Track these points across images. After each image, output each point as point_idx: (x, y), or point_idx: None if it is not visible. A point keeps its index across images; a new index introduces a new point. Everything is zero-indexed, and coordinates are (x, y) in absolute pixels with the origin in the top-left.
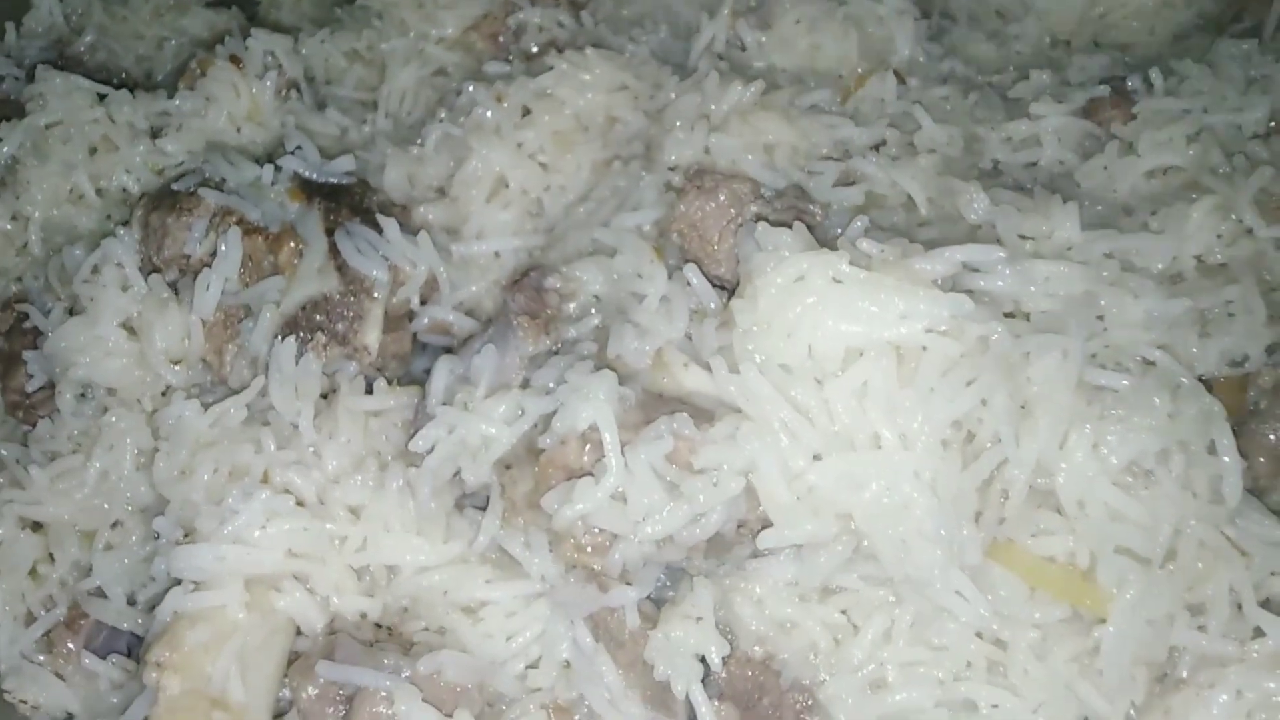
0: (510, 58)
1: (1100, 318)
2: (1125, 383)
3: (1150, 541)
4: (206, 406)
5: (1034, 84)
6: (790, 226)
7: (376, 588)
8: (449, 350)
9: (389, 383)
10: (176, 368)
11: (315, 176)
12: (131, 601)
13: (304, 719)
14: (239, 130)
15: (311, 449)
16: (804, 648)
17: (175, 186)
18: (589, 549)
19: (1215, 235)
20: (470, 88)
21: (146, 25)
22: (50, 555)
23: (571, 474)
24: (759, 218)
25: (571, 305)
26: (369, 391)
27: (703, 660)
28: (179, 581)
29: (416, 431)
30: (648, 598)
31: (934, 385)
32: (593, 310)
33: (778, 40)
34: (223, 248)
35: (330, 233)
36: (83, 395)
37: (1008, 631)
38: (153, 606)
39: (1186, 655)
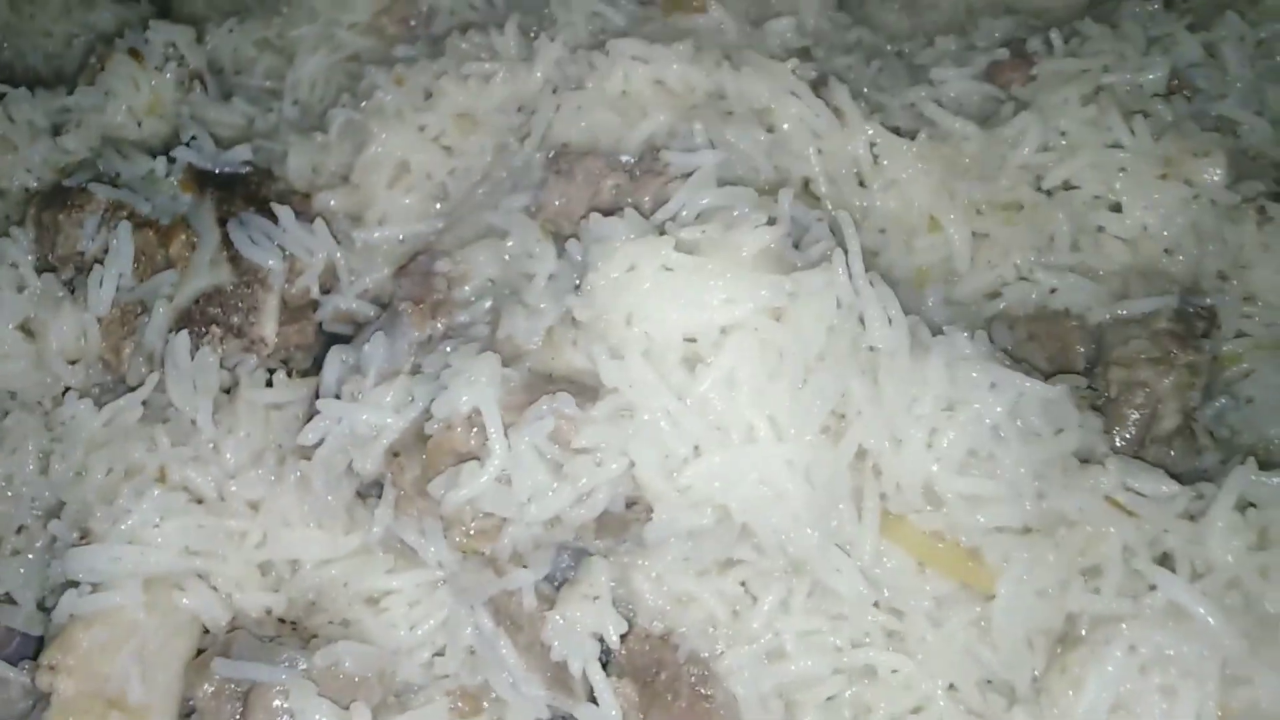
0: (415, 41)
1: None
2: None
3: (1017, 513)
4: (101, 405)
5: (939, 50)
6: (643, 199)
7: (281, 582)
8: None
9: (291, 375)
10: (74, 367)
11: (210, 167)
12: (42, 607)
13: (202, 717)
14: (140, 124)
15: (210, 444)
16: (702, 621)
17: (66, 183)
18: (478, 533)
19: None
20: (371, 71)
21: (54, 22)
22: None
23: (459, 458)
24: (617, 189)
25: (465, 289)
26: (270, 384)
27: (602, 640)
28: (76, 584)
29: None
30: (549, 580)
31: (796, 372)
32: (488, 294)
33: None
34: (114, 243)
35: (223, 223)
36: None
37: (902, 600)
38: None
39: (1085, 617)
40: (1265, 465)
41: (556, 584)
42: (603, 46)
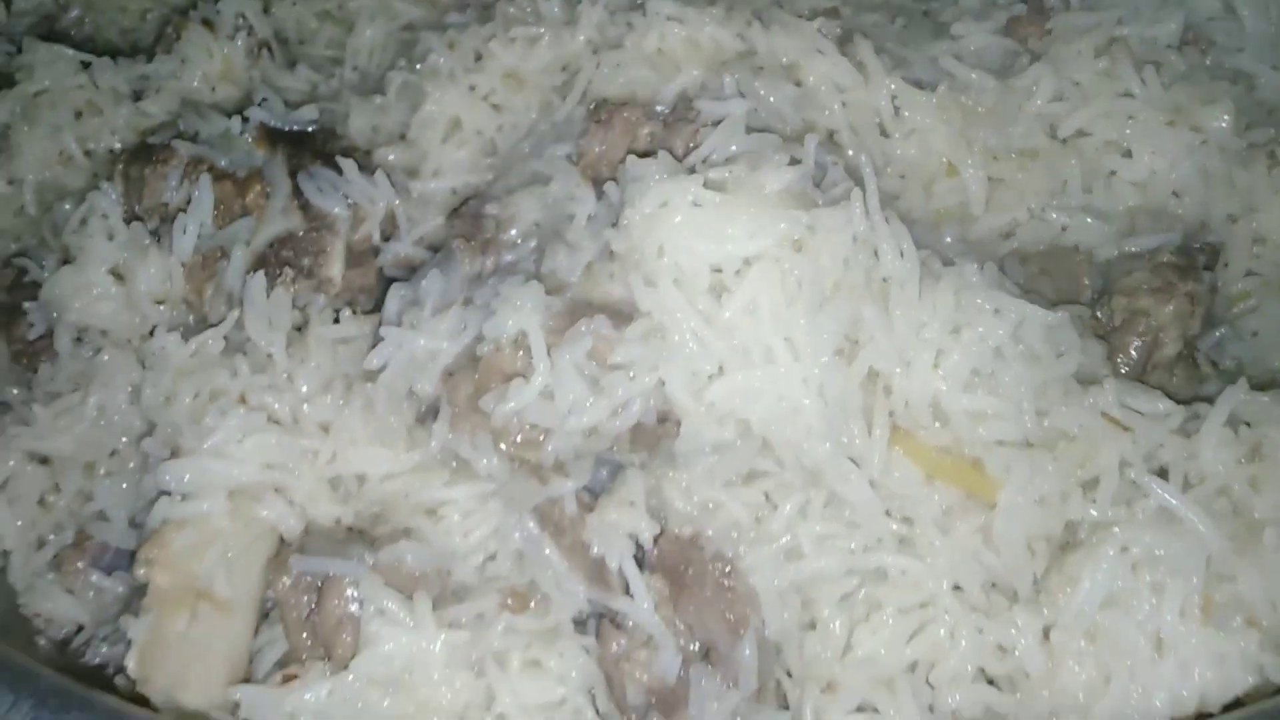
0: (467, 7)
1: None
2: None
3: (1018, 428)
4: (187, 339)
5: (961, 7)
6: (676, 145)
7: (349, 495)
8: None
9: (355, 314)
10: (161, 307)
11: (280, 125)
12: (133, 523)
13: (280, 607)
14: (213, 89)
15: (285, 374)
16: (727, 526)
17: (151, 140)
18: (525, 443)
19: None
20: (426, 36)
21: None
22: (56, 485)
23: (507, 377)
24: (652, 136)
25: (512, 231)
26: (337, 321)
27: (637, 540)
28: (168, 494)
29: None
30: (588, 490)
31: (814, 299)
32: (533, 235)
33: None
34: (196, 194)
35: (293, 175)
36: (79, 339)
37: (912, 509)
38: None
39: (1083, 524)
40: (1265, 388)
41: (595, 494)
42: (641, 8)
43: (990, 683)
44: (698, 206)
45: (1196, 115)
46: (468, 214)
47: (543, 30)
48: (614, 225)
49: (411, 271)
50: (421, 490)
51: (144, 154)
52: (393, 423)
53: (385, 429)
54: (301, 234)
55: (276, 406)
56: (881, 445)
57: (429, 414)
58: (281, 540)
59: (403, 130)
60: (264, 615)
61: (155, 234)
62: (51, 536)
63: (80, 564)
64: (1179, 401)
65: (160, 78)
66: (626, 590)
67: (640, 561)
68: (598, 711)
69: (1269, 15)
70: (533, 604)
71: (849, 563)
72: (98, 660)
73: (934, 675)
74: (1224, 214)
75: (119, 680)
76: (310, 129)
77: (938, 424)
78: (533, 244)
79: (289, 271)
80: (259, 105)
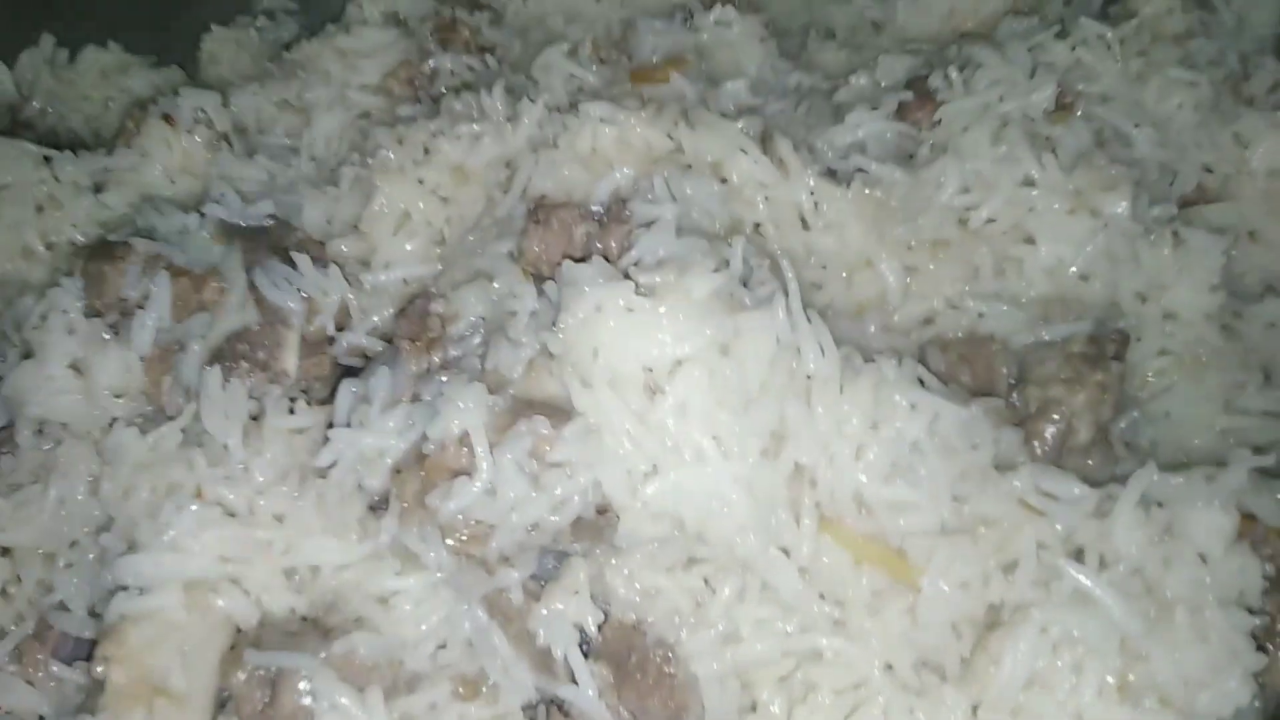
0: (420, 101)
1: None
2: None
3: (936, 518)
4: (145, 433)
5: (853, 88)
6: (610, 245)
7: (303, 585)
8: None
9: (310, 403)
10: (120, 400)
11: (237, 220)
12: (93, 613)
13: (236, 702)
14: (173, 182)
15: (241, 465)
16: (669, 611)
17: (111, 238)
18: (471, 538)
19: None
20: (376, 132)
21: (93, 87)
22: (17, 576)
23: (453, 474)
24: (588, 236)
25: (458, 325)
26: (293, 411)
27: (581, 629)
28: (124, 588)
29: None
30: (534, 578)
31: (740, 400)
32: (477, 330)
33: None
34: (154, 290)
35: (249, 271)
36: (39, 431)
37: (843, 592)
38: None
39: (1005, 606)
40: (1180, 468)
41: (541, 581)
42: (577, 107)
43: None
44: (630, 311)
45: (1096, 201)
46: (413, 313)
47: (486, 127)
48: (552, 326)
49: (364, 359)
50: (373, 580)
51: (103, 251)
52: (344, 514)
53: (337, 521)
54: (257, 328)
55: (232, 498)
56: (810, 535)
57: (380, 504)
58: (237, 630)
59: (355, 221)
60: (220, 706)
61: (114, 328)
62: (13, 627)
63: (41, 655)
64: (1094, 483)
65: (120, 170)
66: (572, 678)
67: (585, 649)
68: None
69: (1117, 60)
70: (483, 690)
71: (785, 645)
72: None
73: None
74: (1133, 292)
75: None
76: (266, 223)
77: (862, 513)
78: (477, 339)
79: (244, 364)
80: (216, 201)
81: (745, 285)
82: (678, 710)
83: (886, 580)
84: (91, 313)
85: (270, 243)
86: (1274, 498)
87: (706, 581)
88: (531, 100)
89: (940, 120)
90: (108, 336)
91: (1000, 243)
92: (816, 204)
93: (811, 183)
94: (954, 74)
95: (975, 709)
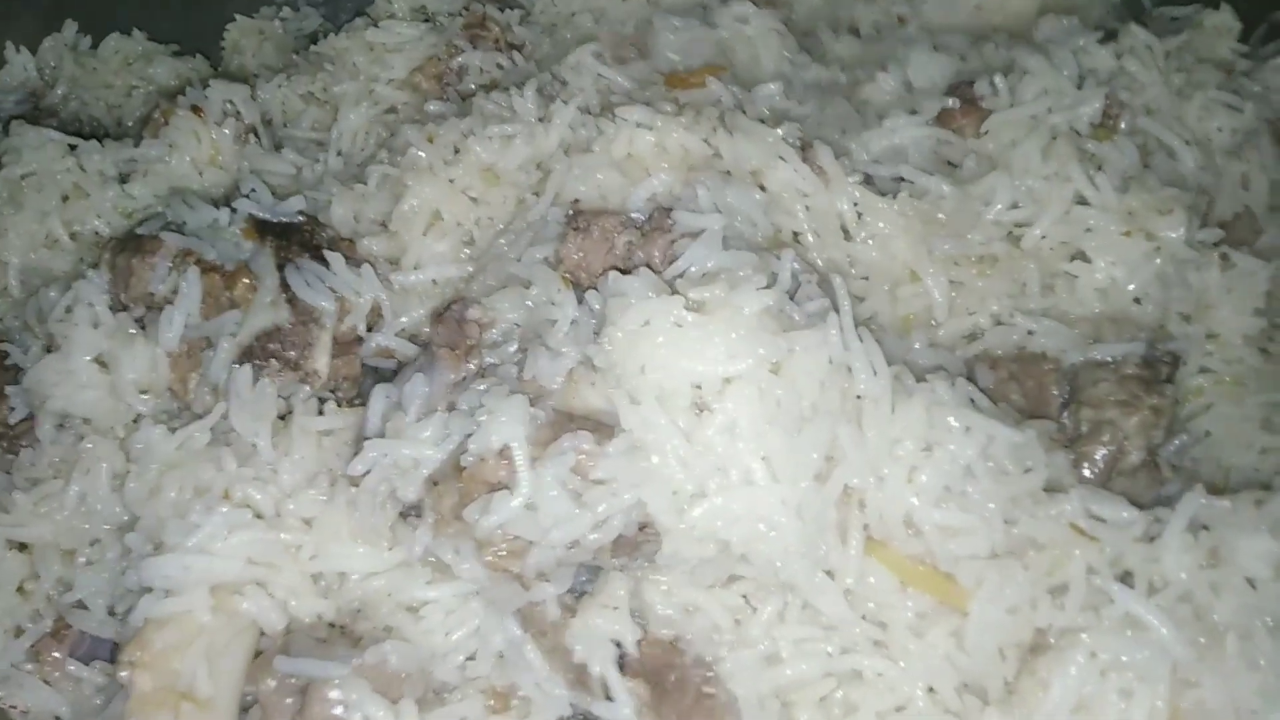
0: (447, 98)
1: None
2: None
3: (988, 542)
4: (173, 431)
5: (880, 86)
6: (653, 255)
7: (330, 591)
8: (396, 372)
9: (340, 404)
10: (145, 397)
11: (268, 216)
12: (112, 612)
13: (264, 710)
14: (201, 174)
15: (269, 466)
16: (708, 628)
17: (139, 231)
18: (508, 554)
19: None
20: (406, 130)
21: (116, 75)
22: (36, 573)
23: (491, 487)
24: (630, 245)
25: (494, 333)
26: (321, 412)
27: (619, 645)
28: (150, 590)
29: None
30: (570, 592)
31: (792, 420)
32: (514, 336)
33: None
34: (183, 286)
35: (281, 268)
36: (61, 425)
37: (886, 614)
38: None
39: (1052, 630)
40: (1221, 492)
41: (577, 595)
42: (612, 109)
43: None
44: (679, 327)
45: (1151, 223)
46: (450, 319)
47: (518, 128)
48: (595, 336)
49: (393, 360)
50: (403, 589)
51: (132, 244)
52: (375, 522)
53: (368, 528)
54: (289, 327)
55: (260, 500)
56: (856, 559)
57: (412, 512)
58: (262, 634)
59: (384, 220)
60: (244, 709)
61: (141, 323)
62: (30, 625)
63: (58, 653)
64: (1141, 506)
65: (148, 161)
66: (608, 695)
67: (622, 665)
68: None
69: (1163, 73)
70: (513, 704)
71: (826, 665)
72: None
73: None
74: (1178, 314)
75: None
76: (297, 220)
77: (910, 533)
78: (514, 346)
79: (274, 364)
80: (247, 196)
81: (793, 299)
82: None
83: (931, 603)
84: (118, 306)
85: (301, 240)
86: None
87: (746, 599)
88: (564, 102)
89: (987, 131)
90: (134, 331)
91: (1049, 260)
92: (860, 214)
93: (855, 193)
94: (1000, 81)
95: None
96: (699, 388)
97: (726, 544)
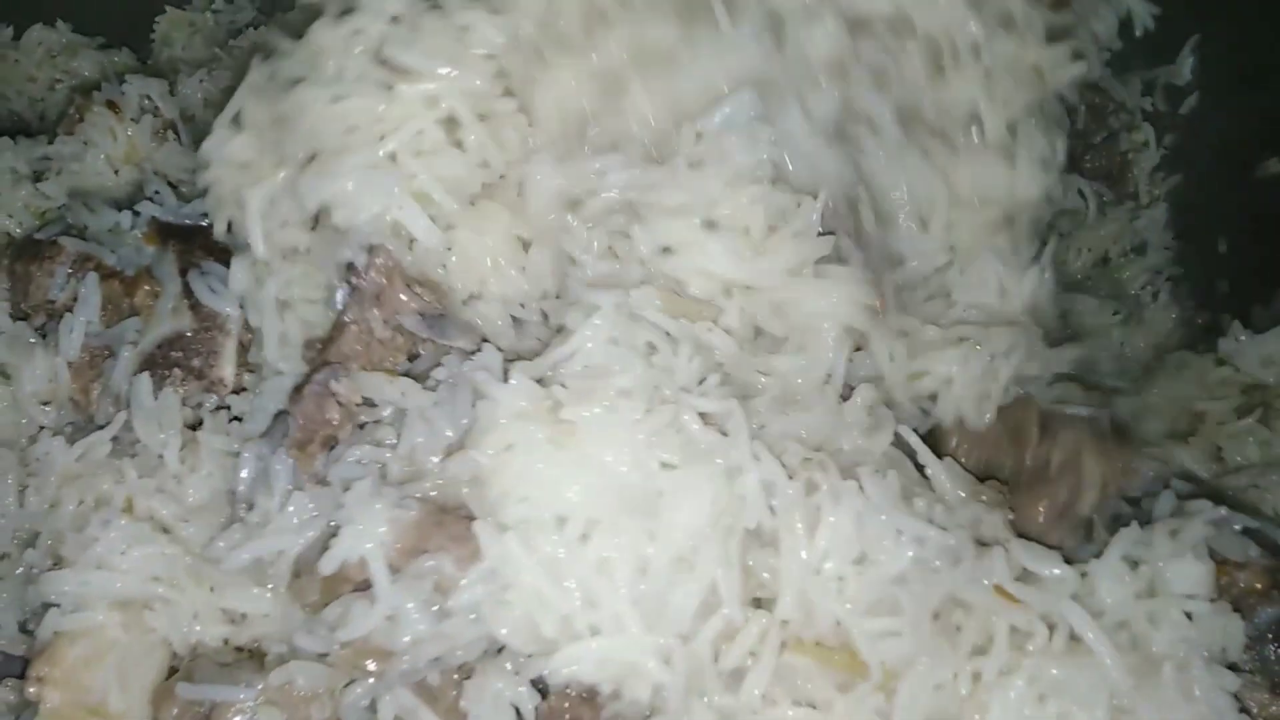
0: None
1: None
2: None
3: (916, 636)
4: (74, 440)
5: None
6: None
7: (235, 619)
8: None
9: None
10: (46, 408)
11: (172, 219)
12: (24, 629)
13: None
14: (117, 172)
15: (174, 478)
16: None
17: (38, 236)
18: (375, 658)
19: None
20: None
21: (38, 68)
22: None
23: (355, 585)
24: None
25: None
26: (230, 420)
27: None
28: (56, 605)
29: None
30: None
31: (668, 565)
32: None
33: None
34: (82, 292)
35: (184, 273)
36: None
37: (810, 693)
38: None
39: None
40: None
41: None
42: None
43: None
44: (547, 452)
45: None
46: (311, 395)
47: None
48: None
49: None
50: None
51: (30, 249)
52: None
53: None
54: (191, 334)
55: (164, 512)
56: (766, 673)
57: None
58: (175, 653)
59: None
60: None
61: (41, 332)
62: None
63: None
64: (1070, 560)
65: (62, 159)
66: None
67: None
68: None
69: None
70: None
71: None
72: None
73: None
74: None
75: None
76: (203, 222)
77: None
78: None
79: (178, 372)
80: (150, 198)
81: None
82: None
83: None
84: (17, 315)
85: (206, 243)
86: (1233, 533)
87: None
88: None
89: None
90: (34, 340)
91: None
92: None
93: None
94: None
95: None
96: (565, 520)
97: (594, 686)
